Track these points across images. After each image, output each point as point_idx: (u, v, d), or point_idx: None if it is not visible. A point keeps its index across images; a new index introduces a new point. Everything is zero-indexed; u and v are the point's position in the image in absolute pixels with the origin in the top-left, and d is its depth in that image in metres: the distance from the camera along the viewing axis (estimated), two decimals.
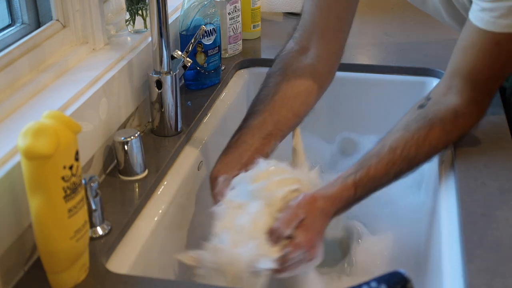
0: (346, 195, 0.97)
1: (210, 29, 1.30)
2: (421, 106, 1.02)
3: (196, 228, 1.17)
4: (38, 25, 1.07)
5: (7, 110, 0.91)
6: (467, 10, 1.00)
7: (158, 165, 1.06)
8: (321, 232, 0.94)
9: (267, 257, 0.86)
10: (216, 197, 1.01)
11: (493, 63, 0.96)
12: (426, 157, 1.00)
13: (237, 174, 1.01)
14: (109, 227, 0.91)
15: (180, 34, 1.29)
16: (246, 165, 1.03)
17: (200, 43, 1.29)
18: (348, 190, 0.97)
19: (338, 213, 0.97)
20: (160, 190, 1.04)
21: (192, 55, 1.28)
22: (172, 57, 1.13)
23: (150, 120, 1.17)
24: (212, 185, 1.04)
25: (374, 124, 1.24)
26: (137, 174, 1.03)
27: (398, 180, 1.01)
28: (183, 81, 1.34)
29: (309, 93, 1.14)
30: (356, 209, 1.21)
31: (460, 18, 1.09)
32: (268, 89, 1.13)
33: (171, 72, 1.12)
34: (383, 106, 1.43)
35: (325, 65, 1.15)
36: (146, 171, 1.04)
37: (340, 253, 1.18)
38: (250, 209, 0.91)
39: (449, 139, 1.01)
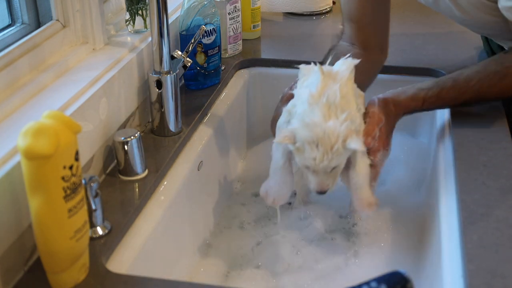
0: (414, 105, 1.09)
1: (210, 29, 1.30)
2: (505, 52, 1.14)
3: (196, 228, 1.17)
4: (38, 25, 1.07)
5: (7, 110, 0.91)
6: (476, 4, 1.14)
7: (158, 165, 1.06)
8: (391, 132, 1.07)
9: (358, 137, 0.95)
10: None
11: None
12: (495, 97, 1.12)
13: None
14: (109, 227, 0.91)
15: (180, 34, 1.29)
16: None
17: (200, 43, 1.29)
18: (417, 101, 1.09)
19: (405, 115, 1.10)
20: (160, 190, 1.04)
21: (192, 55, 1.28)
22: (172, 57, 1.13)
23: (150, 120, 1.17)
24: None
25: None
26: (137, 174, 1.03)
27: (463, 106, 1.13)
28: (183, 81, 1.34)
29: (365, 72, 1.22)
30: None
31: (471, 12, 1.19)
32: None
33: (171, 72, 1.12)
34: None
35: (372, 53, 1.26)
36: (146, 171, 1.04)
37: None
38: (338, 76, 0.99)
39: None
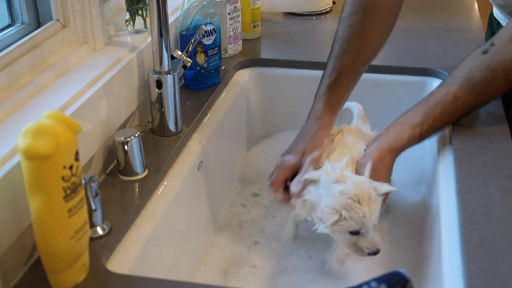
0: (412, 144, 1.08)
1: (210, 29, 1.30)
2: (485, 52, 1.07)
3: (196, 228, 1.17)
4: (38, 25, 1.07)
5: (7, 110, 0.91)
6: None
7: (158, 165, 1.06)
8: (388, 174, 1.08)
9: (381, 183, 1.01)
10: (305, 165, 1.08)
11: None
12: (485, 104, 1.08)
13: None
14: (109, 227, 0.91)
15: (180, 34, 1.29)
16: (341, 104, 1.15)
17: (200, 43, 1.29)
18: (414, 140, 1.08)
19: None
20: (160, 190, 1.04)
21: (192, 55, 1.28)
22: (172, 57, 1.13)
23: (150, 120, 1.17)
24: (313, 136, 1.10)
25: (374, 124, 1.24)
26: (137, 174, 1.03)
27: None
28: (183, 81, 1.34)
29: (386, 30, 1.21)
30: None
31: None
32: (353, 28, 1.16)
33: (171, 72, 1.12)
34: (383, 106, 1.43)
35: (395, 2, 1.21)
36: (146, 171, 1.04)
37: None
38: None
39: (510, 87, 1.07)
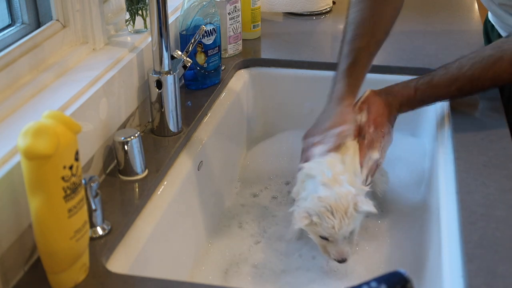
0: (407, 92, 1.12)
1: (210, 29, 1.30)
2: (508, 35, 1.11)
3: (196, 228, 1.17)
4: (38, 25, 1.07)
5: (7, 110, 0.91)
6: None
7: (158, 165, 1.06)
8: (385, 116, 1.11)
9: (367, 200, 1.00)
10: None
11: None
12: (491, 83, 1.10)
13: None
14: (109, 227, 0.91)
15: (180, 34, 1.29)
16: (360, 84, 1.16)
17: (200, 43, 1.29)
18: (409, 89, 1.12)
19: (403, 107, 1.14)
20: (160, 190, 1.04)
21: (192, 55, 1.28)
22: (172, 57, 1.13)
23: (150, 120, 1.17)
24: (342, 114, 1.11)
25: None
26: (137, 174, 1.03)
27: (462, 96, 1.15)
28: (183, 81, 1.34)
29: (395, 11, 1.23)
30: None
31: None
32: (363, 12, 1.20)
33: (171, 72, 1.12)
34: None
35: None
36: (146, 171, 1.04)
37: None
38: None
39: None
